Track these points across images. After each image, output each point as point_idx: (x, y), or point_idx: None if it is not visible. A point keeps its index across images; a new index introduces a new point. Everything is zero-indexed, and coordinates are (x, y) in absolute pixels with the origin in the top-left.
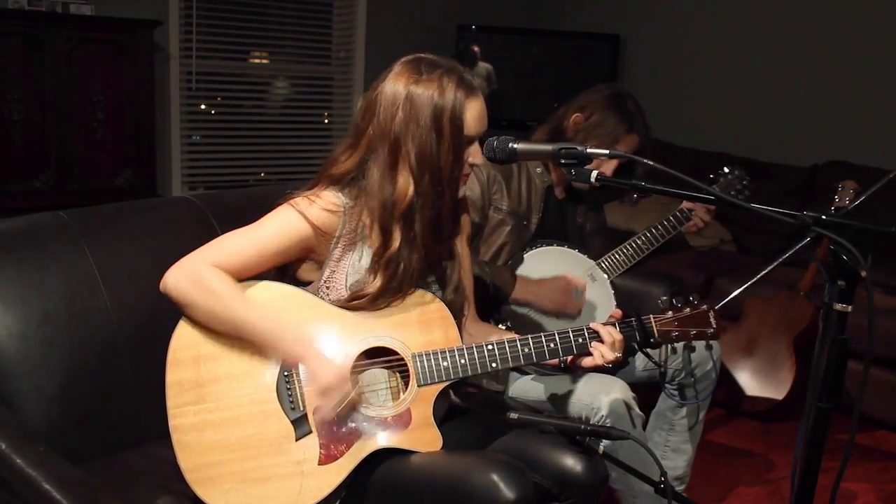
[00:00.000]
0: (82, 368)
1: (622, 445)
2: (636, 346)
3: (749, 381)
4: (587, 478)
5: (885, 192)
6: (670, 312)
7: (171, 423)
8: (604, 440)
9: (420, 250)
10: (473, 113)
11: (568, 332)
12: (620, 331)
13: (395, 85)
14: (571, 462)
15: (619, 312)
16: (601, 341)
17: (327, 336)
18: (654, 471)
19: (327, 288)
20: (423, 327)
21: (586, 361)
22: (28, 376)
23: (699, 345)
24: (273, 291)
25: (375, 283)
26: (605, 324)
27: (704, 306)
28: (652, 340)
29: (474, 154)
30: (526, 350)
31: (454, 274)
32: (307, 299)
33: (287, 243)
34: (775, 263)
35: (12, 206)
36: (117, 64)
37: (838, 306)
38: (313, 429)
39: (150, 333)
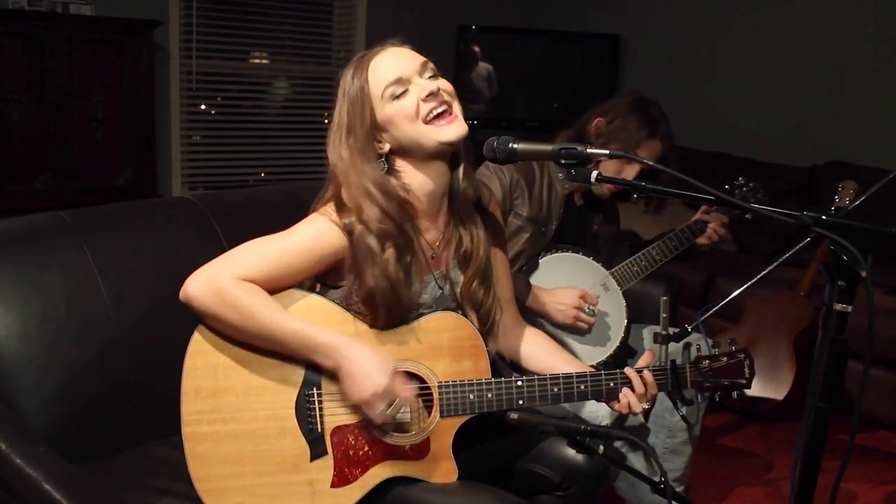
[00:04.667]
0: (82, 368)
1: (622, 447)
2: (666, 394)
3: None
4: (589, 467)
5: (885, 192)
6: (707, 361)
7: (185, 430)
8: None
9: (388, 214)
10: (378, 66)
11: (601, 376)
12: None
13: None
14: (573, 452)
15: (651, 355)
16: (633, 389)
17: None
18: (654, 471)
19: (357, 296)
20: (453, 355)
21: (614, 406)
22: (28, 376)
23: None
24: (300, 302)
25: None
26: (638, 370)
27: (742, 355)
28: (684, 391)
29: (419, 86)
30: (555, 390)
31: (478, 258)
32: (335, 314)
33: (319, 255)
34: (775, 263)
35: (12, 206)
36: (117, 64)
37: (838, 306)
38: (329, 450)
39: (150, 333)
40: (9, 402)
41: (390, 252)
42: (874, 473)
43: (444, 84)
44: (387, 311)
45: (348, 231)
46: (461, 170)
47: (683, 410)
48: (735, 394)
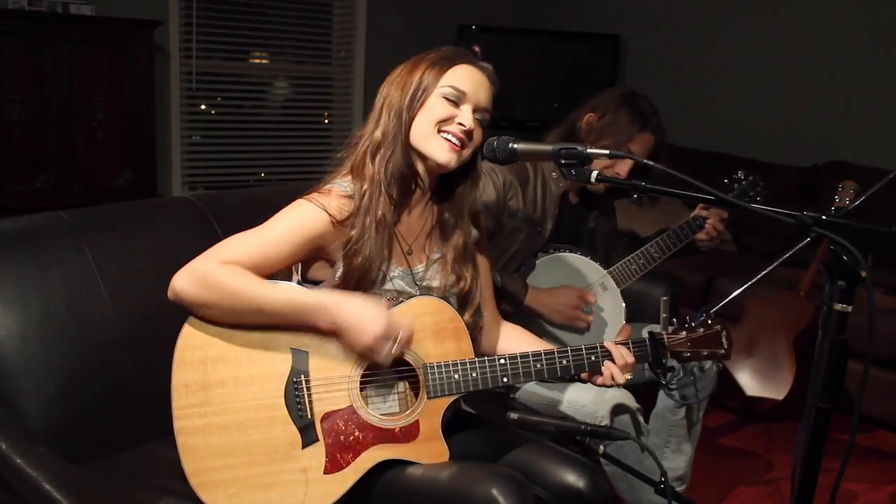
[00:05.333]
0: (82, 368)
1: (622, 447)
2: (647, 366)
3: (749, 382)
4: (589, 493)
5: (885, 192)
6: (683, 332)
7: (176, 424)
8: (604, 441)
9: (390, 214)
10: (465, 73)
11: (581, 349)
12: (633, 350)
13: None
14: (573, 478)
15: (628, 329)
16: (614, 361)
17: (337, 345)
18: (654, 472)
19: (339, 287)
20: (436, 337)
21: (597, 380)
22: (28, 376)
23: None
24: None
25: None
26: (618, 343)
27: (718, 326)
28: (664, 361)
29: (462, 115)
30: (538, 366)
31: (475, 294)
32: None
33: (302, 238)
34: (775, 263)
35: (12, 206)
36: (117, 64)
37: (838, 306)
38: (320, 437)
39: (150, 333)
40: (9, 402)
41: (386, 208)
42: (874, 473)
43: (478, 132)
44: (363, 263)
45: (359, 174)
46: (469, 208)
47: (668, 379)
48: (717, 365)
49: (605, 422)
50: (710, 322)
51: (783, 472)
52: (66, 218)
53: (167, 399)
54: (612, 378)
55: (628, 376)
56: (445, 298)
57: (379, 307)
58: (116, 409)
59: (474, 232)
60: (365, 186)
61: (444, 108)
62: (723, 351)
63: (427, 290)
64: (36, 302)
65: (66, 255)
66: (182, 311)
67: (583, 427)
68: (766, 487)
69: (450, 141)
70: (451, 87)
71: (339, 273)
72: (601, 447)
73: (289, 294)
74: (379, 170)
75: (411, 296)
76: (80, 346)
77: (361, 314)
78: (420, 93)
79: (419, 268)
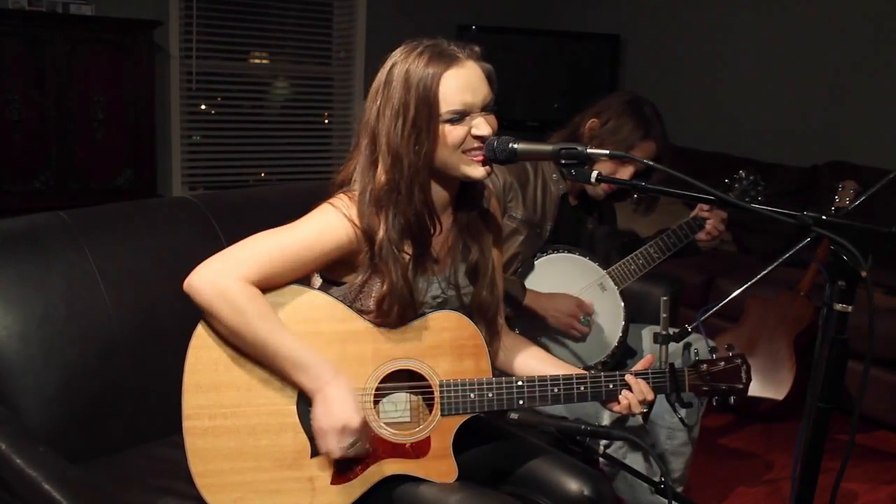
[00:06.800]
0: (82, 368)
1: (622, 447)
2: (665, 397)
3: None
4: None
5: (885, 192)
6: (704, 366)
7: (185, 424)
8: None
9: (414, 240)
10: (454, 82)
11: (600, 378)
12: (652, 382)
13: (380, 76)
14: (579, 487)
15: (650, 359)
16: (632, 390)
17: (354, 355)
18: (653, 472)
19: (361, 293)
20: (454, 354)
21: (614, 407)
22: (28, 376)
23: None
24: (303, 298)
25: (376, 286)
26: (638, 375)
27: (738, 360)
28: (682, 395)
29: (477, 125)
30: (555, 390)
31: (487, 270)
32: (338, 311)
33: (327, 248)
34: (775, 263)
35: (12, 206)
36: (117, 64)
37: (838, 306)
38: None
39: (150, 333)
40: (9, 402)
41: (411, 251)
42: (874, 473)
43: (493, 124)
44: (399, 312)
45: (369, 228)
46: (476, 187)
47: (682, 413)
48: (732, 399)
49: (605, 422)
50: (731, 355)
51: (783, 472)
52: (66, 218)
53: (167, 399)
54: (630, 408)
55: (645, 409)
56: (457, 288)
57: (361, 410)
58: (116, 409)
59: (482, 205)
60: (380, 236)
61: (455, 132)
62: (741, 385)
63: (461, 297)
64: (36, 302)
65: (66, 255)
66: (182, 311)
67: (583, 427)
68: (766, 487)
69: (477, 155)
70: (450, 111)
71: (371, 305)
72: (601, 447)
73: (294, 346)
74: (392, 225)
75: (443, 300)
76: (80, 346)
77: (349, 400)
78: (426, 135)
79: (447, 272)
